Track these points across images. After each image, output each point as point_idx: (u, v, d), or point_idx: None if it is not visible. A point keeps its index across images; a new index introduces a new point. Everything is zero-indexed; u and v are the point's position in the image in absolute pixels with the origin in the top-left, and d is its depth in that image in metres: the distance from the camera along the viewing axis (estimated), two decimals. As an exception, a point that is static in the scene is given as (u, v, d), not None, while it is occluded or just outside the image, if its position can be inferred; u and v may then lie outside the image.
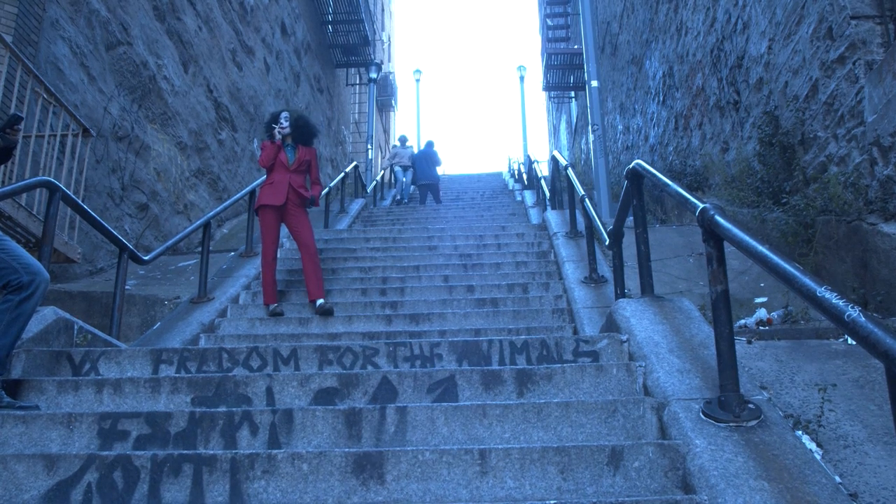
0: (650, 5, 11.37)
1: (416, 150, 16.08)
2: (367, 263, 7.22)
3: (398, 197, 14.82)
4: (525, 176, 15.85)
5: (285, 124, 6.18)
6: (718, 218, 2.60)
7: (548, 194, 9.82)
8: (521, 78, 25.81)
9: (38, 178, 4.61)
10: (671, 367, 2.95)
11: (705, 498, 2.17)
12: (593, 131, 9.38)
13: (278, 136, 6.14)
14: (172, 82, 8.73)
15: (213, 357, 3.75)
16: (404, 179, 14.81)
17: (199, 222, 6.26)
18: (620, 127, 14.58)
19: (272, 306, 5.73)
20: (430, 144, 15.15)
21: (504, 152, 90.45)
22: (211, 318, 5.47)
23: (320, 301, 5.68)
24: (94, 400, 3.21)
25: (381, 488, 2.39)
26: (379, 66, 20.39)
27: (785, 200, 5.54)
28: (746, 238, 2.38)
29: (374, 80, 19.43)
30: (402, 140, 16.10)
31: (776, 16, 6.26)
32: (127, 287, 5.64)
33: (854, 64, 4.89)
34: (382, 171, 15.90)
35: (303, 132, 6.29)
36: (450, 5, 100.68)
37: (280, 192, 6.04)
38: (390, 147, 24.41)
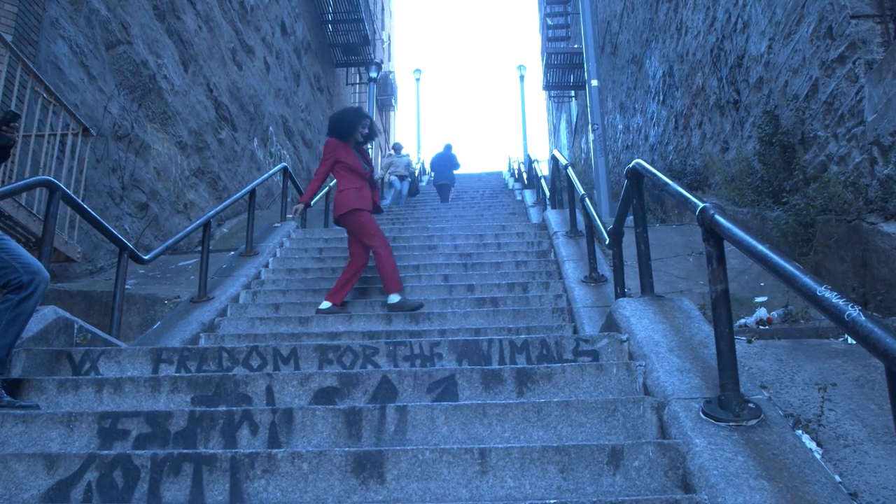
0: (650, 5, 11.37)
1: (411, 158, 16.50)
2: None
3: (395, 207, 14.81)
4: (525, 175, 15.84)
5: (367, 131, 6.13)
6: (718, 217, 2.60)
7: (548, 193, 9.80)
8: (521, 77, 25.84)
9: (38, 177, 4.61)
10: (671, 367, 2.95)
11: (705, 497, 2.17)
12: (593, 130, 9.38)
13: (356, 141, 6.00)
14: (172, 82, 8.73)
15: (213, 356, 3.74)
16: (400, 189, 14.77)
17: (198, 221, 6.24)
18: (620, 126, 14.58)
19: (331, 305, 5.65)
20: (448, 147, 15.50)
21: (504, 151, 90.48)
22: (211, 318, 5.47)
23: (396, 297, 5.63)
24: (94, 399, 3.21)
25: (381, 487, 2.39)
26: (379, 66, 20.37)
27: (785, 200, 5.53)
28: (746, 237, 2.38)
29: (374, 80, 19.42)
30: (397, 148, 16.03)
31: (776, 15, 6.25)
32: (127, 286, 5.64)
33: (854, 63, 4.89)
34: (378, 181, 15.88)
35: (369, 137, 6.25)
36: (450, 5, 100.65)
37: (367, 198, 6.10)
38: (388, 149, 24.35)
